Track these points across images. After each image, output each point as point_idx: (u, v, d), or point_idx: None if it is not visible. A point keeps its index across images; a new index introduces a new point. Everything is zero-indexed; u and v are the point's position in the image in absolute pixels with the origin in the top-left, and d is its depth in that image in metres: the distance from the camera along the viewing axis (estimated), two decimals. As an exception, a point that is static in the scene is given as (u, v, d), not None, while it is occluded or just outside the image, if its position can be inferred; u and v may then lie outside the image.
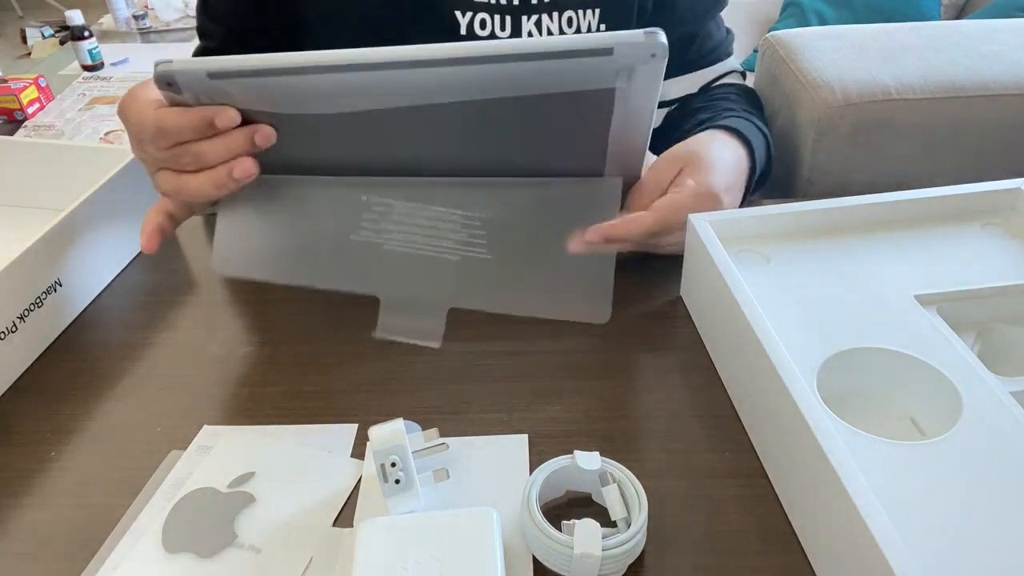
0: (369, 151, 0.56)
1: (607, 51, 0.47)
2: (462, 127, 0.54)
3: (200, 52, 0.78)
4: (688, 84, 0.82)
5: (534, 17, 0.71)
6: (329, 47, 0.72)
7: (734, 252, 0.57)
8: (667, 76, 0.81)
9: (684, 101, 0.82)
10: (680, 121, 0.79)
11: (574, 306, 0.59)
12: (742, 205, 0.67)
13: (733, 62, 0.83)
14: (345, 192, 0.58)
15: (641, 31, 0.48)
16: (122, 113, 0.55)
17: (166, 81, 0.49)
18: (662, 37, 0.48)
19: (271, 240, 0.58)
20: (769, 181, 0.87)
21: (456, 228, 0.58)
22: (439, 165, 0.58)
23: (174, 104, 0.51)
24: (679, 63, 0.81)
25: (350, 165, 0.57)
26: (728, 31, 0.84)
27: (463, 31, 0.71)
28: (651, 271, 0.64)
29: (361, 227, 0.58)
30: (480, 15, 0.70)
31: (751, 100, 0.80)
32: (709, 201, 0.60)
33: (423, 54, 0.47)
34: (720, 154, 0.63)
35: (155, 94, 0.52)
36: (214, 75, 0.48)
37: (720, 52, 0.82)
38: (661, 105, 0.84)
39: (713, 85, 0.82)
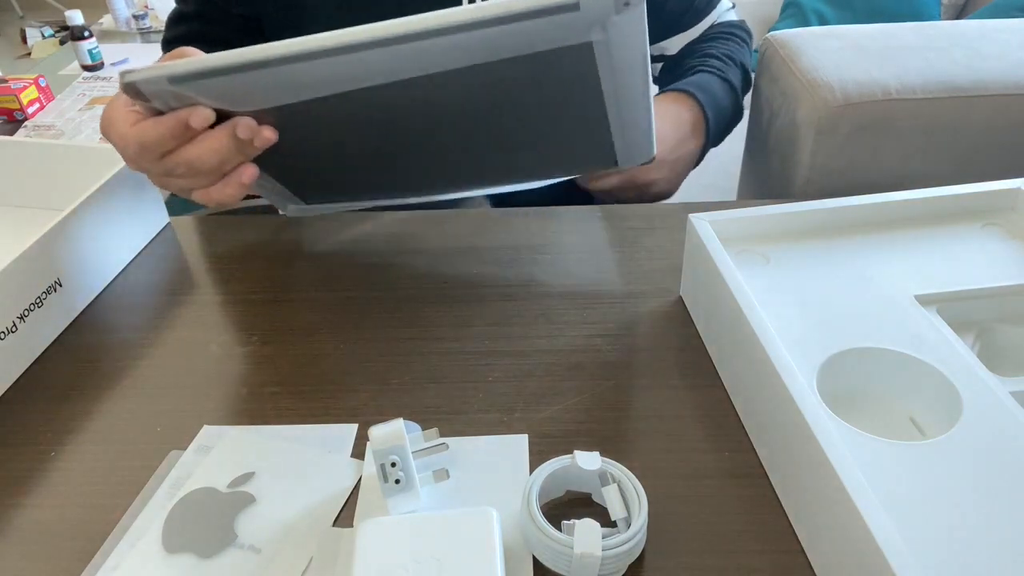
0: (360, 131, 0.56)
1: (573, 6, 0.44)
2: (449, 104, 0.53)
3: (175, 17, 0.77)
4: (687, 37, 0.86)
5: None
6: (326, 20, 0.73)
7: (734, 252, 0.57)
8: (667, 36, 0.86)
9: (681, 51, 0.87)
10: (674, 69, 0.85)
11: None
12: (712, 146, 0.80)
13: (725, 3, 0.88)
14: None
15: None
16: (104, 134, 0.55)
17: (132, 92, 0.49)
18: None
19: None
20: (769, 181, 0.87)
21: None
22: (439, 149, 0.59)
23: (150, 113, 0.51)
24: (679, 23, 0.85)
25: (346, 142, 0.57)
26: None
27: None
28: (651, 271, 0.64)
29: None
30: None
31: (733, 39, 0.85)
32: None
33: (383, 32, 0.45)
34: (661, 122, 0.71)
35: (128, 109, 0.51)
36: (175, 80, 0.48)
37: (713, 1, 0.86)
38: (662, 60, 0.86)
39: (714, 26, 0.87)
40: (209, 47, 0.74)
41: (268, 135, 0.52)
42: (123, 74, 0.48)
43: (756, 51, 0.97)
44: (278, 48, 0.46)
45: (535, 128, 0.57)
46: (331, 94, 0.50)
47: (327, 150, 0.57)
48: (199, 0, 0.75)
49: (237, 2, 0.74)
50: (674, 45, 0.86)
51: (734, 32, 0.85)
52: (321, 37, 0.46)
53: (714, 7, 0.86)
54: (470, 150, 0.59)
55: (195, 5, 0.75)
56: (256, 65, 0.47)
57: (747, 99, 0.90)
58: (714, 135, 0.78)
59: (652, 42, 0.87)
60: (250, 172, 0.54)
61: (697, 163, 0.80)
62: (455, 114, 0.54)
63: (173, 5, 0.79)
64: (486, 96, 0.52)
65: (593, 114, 0.55)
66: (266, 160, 0.55)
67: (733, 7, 0.90)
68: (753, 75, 0.88)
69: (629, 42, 0.49)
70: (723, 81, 0.80)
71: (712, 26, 0.86)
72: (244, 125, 0.51)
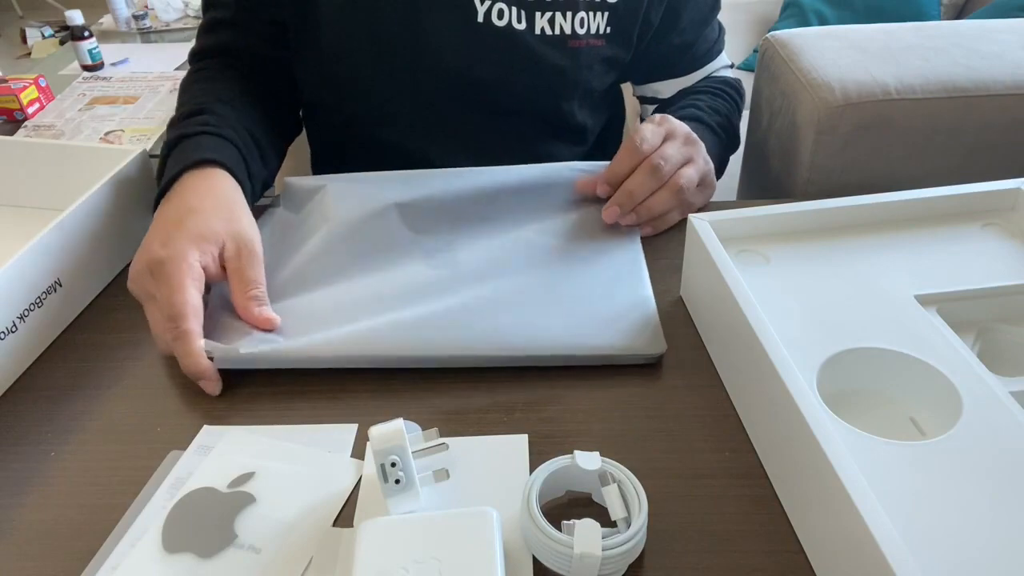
0: None
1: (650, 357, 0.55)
2: None
3: (208, 25, 0.78)
4: (681, 83, 0.86)
5: (547, 14, 0.73)
6: (341, 25, 0.73)
7: (734, 252, 0.57)
8: (664, 78, 0.85)
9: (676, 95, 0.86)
10: (664, 110, 0.83)
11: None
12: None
13: (724, 58, 0.88)
14: None
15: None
16: (154, 276, 0.56)
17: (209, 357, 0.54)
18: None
19: None
20: (769, 181, 0.87)
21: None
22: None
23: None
24: (676, 68, 0.85)
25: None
26: (720, 28, 0.87)
27: (480, 18, 0.72)
28: (651, 271, 0.64)
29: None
30: (498, 5, 0.72)
31: (723, 96, 0.84)
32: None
33: (453, 352, 0.54)
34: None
35: (194, 303, 0.54)
36: (226, 359, 0.54)
37: (713, 52, 0.86)
38: (655, 103, 0.86)
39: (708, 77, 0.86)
40: (239, 60, 0.76)
41: None
42: (210, 344, 0.54)
43: (756, 52, 0.97)
44: (334, 355, 0.54)
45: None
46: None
47: None
48: (234, 7, 0.75)
49: (264, 6, 0.74)
50: (668, 89, 0.86)
51: (726, 91, 0.85)
52: (392, 347, 0.54)
53: (712, 59, 0.86)
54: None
55: (231, 11, 0.76)
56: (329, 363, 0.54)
57: (747, 99, 0.90)
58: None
59: (645, 82, 0.88)
60: None
61: None
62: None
63: (172, 5, 0.78)
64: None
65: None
66: None
67: (732, 66, 0.89)
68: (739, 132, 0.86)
69: None
70: (711, 132, 0.78)
71: (707, 77, 0.86)
72: None
